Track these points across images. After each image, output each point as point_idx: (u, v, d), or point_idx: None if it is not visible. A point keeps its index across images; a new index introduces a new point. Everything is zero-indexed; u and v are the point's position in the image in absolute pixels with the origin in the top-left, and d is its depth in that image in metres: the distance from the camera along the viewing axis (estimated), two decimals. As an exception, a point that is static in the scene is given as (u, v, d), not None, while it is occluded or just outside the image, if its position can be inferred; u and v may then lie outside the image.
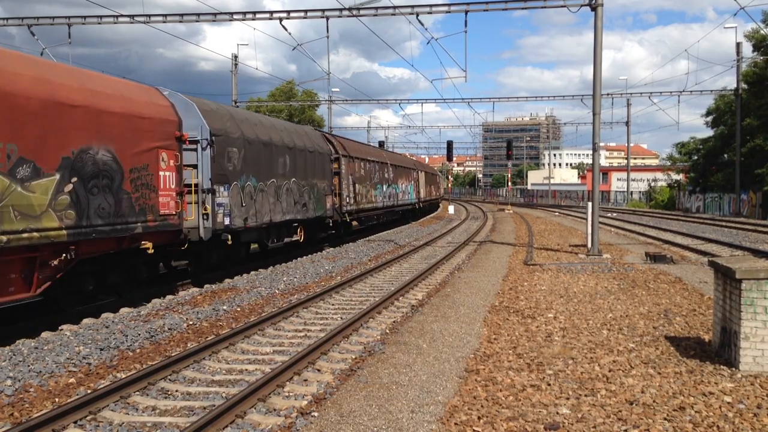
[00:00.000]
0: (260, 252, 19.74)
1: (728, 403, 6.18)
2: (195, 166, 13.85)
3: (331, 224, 22.75)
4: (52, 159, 9.66)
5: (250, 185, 15.91)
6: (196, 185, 13.80)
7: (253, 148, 16.27)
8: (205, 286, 13.99)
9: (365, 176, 27.47)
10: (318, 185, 20.89)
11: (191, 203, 13.62)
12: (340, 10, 20.67)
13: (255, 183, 16.19)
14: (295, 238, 19.67)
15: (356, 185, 25.63)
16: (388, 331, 9.46)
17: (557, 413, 6.00)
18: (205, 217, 13.81)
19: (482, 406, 6.21)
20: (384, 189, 31.71)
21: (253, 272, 16.05)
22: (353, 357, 8.09)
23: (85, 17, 22.88)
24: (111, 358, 8.23)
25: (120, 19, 22.75)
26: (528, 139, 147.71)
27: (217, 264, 15.65)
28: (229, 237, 14.77)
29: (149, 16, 22.60)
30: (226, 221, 14.56)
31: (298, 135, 20.28)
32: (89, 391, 6.81)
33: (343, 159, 23.93)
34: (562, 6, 19.00)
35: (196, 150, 13.87)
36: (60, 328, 10.09)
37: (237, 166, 15.29)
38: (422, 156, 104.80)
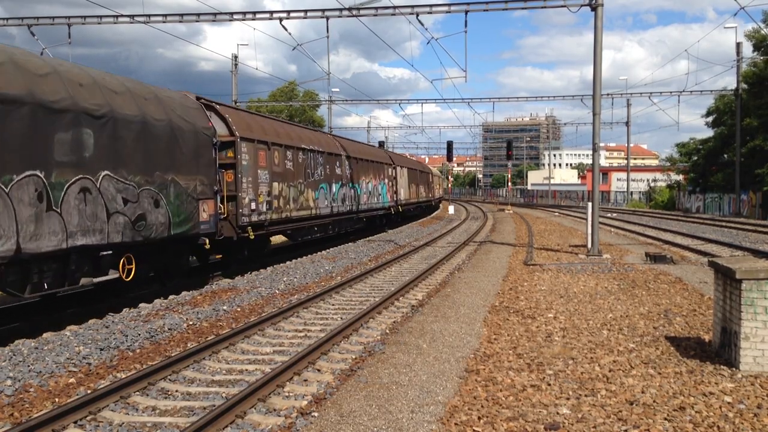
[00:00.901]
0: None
1: (728, 403, 6.18)
2: None
3: (208, 246, 15.02)
4: None
5: None
6: None
7: None
8: (206, 286, 13.99)
9: (296, 172, 19.56)
10: (180, 184, 13.00)
11: None
12: (340, 10, 20.67)
13: None
14: (111, 275, 11.29)
15: (276, 184, 17.89)
16: (388, 331, 9.46)
17: (557, 413, 6.00)
18: None
19: (482, 406, 6.21)
20: (334, 189, 23.46)
21: (253, 272, 16.04)
22: (353, 357, 8.09)
23: (85, 17, 22.89)
24: (111, 358, 8.22)
25: (120, 19, 22.76)
26: (528, 139, 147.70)
27: None
28: None
29: (149, 16, 22.61)
30: None
31: (132, 96, 11.95)
32: (89, 391, 6.80)
33: (244, 144, 15.85)
34: (562, 6, 19.01)
35: None
36: (60, 328, 10.09)
37: None
38: (422, 156, 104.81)
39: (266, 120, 19.43)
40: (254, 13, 22.17)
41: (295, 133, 20.90)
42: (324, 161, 22.46)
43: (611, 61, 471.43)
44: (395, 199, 34.94)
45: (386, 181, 32.97)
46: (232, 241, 15.70)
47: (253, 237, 16.16)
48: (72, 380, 7.34)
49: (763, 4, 44.83)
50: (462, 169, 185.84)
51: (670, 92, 43.64)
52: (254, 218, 16.40)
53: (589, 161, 37.73)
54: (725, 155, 48.92)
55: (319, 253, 20.50)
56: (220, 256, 16.65)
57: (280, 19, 21.64)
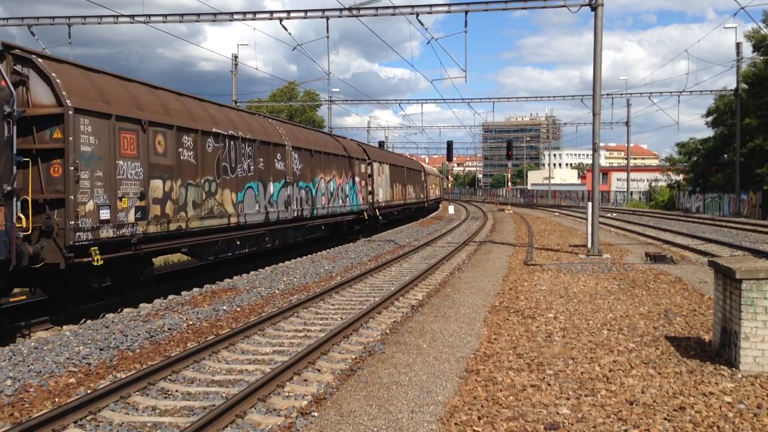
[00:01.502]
0: None
1: (728, 403, 6.18)
2: None
3: None
4: None
5: None
6: None
7: None
8: (205, 286, 13.98)
9: (202, 165, 13.79)
10: None
11: None
12: (340, 10, 20.67)
13: None
14: None
15: (159, 182, 12.27)
16: (388, 331, 9.46)
17: (557, 413, 6.00)
18: None
19: (482, 406, 6.21)
20: (271, 190, 17.46)
21: (252, 272, 16.04)
22: (353, 357, 8.09)
23: (85, 17, 22.89)
24: (111, 358, 8.22)
25: (120, 19, 22.76)
26: (528, 139, 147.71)
27: None
28: None
29: (149, 16, 22.62)
30: None
31: None
32: (89, 391, 6.80)
33: (85, 120, 10.30)
34: (562, 6, 19.01)
35: None
36: (60, 328, 10.09)
37: None
38: (422, 156, 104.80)
39: (144, 88, 12.77)
40: (254, 13, 22.18)
41: (204, 111, 14.65)
42: (255, 152, 16.51)
43: (611, 61, 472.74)
44: (371, 201, 28.81)
45: (357, 179, 27.02)
46: (60, 270, 9.98)
47: (99, 262, 10.45)
48: (72, 380, 7.34)
49: (763, 4, 44.88)
50: (462, 169, 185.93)
51: (670, 92, 43.69)
52: (106, 233, 10.71)
53: (589, 161, 37.73)
54: (725, 155, 48.94)
55: (319, 253, 20.51)
56: (24, 297, 11.18)
57: (280, 19, 21.64)
